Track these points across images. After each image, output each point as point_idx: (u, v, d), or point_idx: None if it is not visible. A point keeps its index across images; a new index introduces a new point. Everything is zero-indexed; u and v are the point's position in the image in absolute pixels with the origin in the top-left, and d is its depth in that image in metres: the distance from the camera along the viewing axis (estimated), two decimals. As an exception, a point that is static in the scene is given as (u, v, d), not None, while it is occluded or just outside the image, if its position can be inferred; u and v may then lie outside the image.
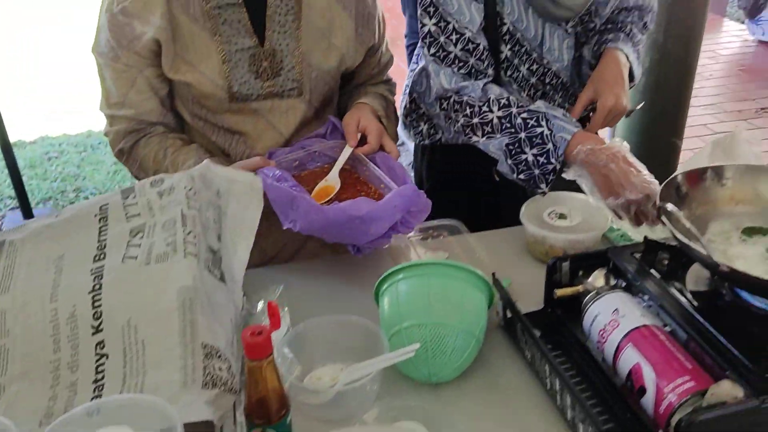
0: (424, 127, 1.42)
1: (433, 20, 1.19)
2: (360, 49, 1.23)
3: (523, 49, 1.23)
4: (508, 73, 1.25)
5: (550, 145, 1.10)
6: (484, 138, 1.17)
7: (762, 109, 3.97)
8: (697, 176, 0.97)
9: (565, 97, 1.33)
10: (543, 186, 1.14)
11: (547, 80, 1.26)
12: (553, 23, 1.22)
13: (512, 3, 1.18)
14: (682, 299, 0.86)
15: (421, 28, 1.22)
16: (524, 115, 1.13)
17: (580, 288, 0.95)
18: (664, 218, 0.83)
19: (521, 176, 1.15)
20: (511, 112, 1.14)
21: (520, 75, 1.25)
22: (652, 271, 0.92)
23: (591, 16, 1.24)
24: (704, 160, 1.22)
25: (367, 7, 1.22)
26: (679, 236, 0.81)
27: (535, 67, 1.25)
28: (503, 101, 1.16)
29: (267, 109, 1.18)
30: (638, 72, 1.27)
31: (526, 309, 1.00)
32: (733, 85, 4.35)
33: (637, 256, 0.95)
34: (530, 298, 1.01)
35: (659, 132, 1.96)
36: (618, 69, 1.18)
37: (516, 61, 1.23)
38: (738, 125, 3.78)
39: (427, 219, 1.51)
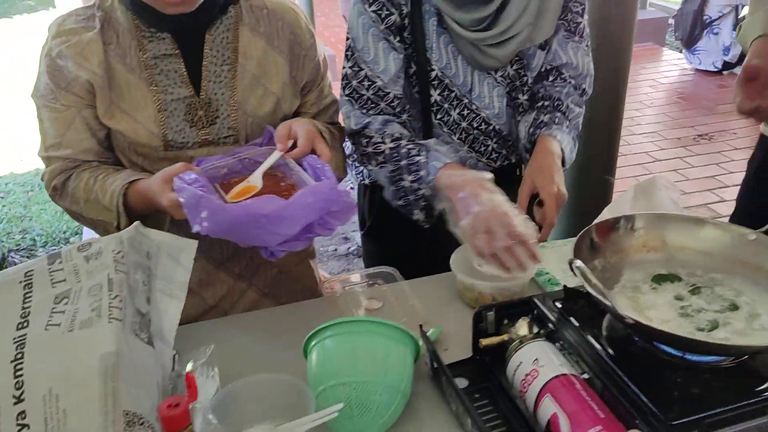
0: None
1: (350, 63, 1.25)
2: (296, 92, 1.25)
3: (453, 95, 1.27)
4: (438, 116, 1.29)
5: (423, 172, 1.16)
6: (378, 167, 1.22)
7: (700, 135, 4.15)
8: (610, 226, 1.01)
9: (502, 144, 1.35)
10: (417, 213, 1.20)
11: (476, 125, 1.30)
12: (482, 71, 1.27)
13: (440, 50, 1.23)
14: (598, 347, 0.90)
15: (342, 68, 1.27)
16: (410, 146, 1.19)
17: (505, 337, 0.98)
18: (576, 272, 0.87)
19: (400, 202, 1.22)
20: (401, 143, 1.20)
21: (451, 119, 1.29)
22: (572, 318, 0.96)
23: (524, 69, 1.29)
24: (627, 204, 1.28)
25: (304, 48, 1.23)
26: (590, 290, 0.85)
27: (465, 112, 1.29)
28: (396, 135, 1.21)
29: (203, 157, 1.19)
30: (571, 156, 1.28)
31: (456, 357, 1.03)
32: (672, 113, 4.54)
33: (559, 304, 0.99)
34: (462, 344, 1.04)
35: (591, 170, 2.04)
36: (551, 159, 1.20)
37: (446, 105, 1.28)
38: (677, 152, 3.93)
39: (367, 265, 1.55)
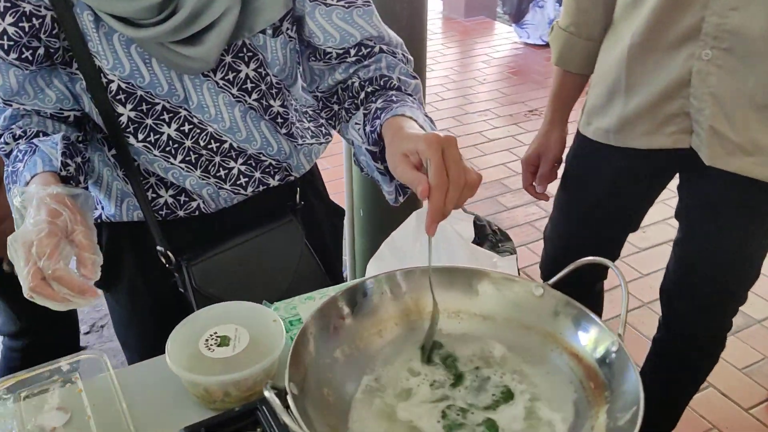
0: None
1: None
2: None
3: (159, 107, 0.94)
4: (141, 137, 0.95)
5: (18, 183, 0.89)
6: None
7: (530, 111, 4.13)
8: (356, 294, 0.74)
9: (254, 166, 1.03)
10: None
11: (203, 143, 0.98)
12: (195, 76, 0.94)
13: (117, 54, 0.89)
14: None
15: None
16: (23, 146, 0.91)
17: (223, 468, 0.69)
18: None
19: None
20: (19, 143, 0.92)
21: (163, 138, 0.96)
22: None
23: (264, 66, 0.97)
24: (410, 236, 1.03)
25: None
26: None
27: (187, 127, 0.96)
28: (19, 133, 0.93)
29: None
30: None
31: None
32: (504, 89, 4.50)
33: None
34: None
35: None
36: (407, 126, 0.83)
37: (150, 121, 0.94)
38: (509, 130, 3.88)
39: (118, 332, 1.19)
